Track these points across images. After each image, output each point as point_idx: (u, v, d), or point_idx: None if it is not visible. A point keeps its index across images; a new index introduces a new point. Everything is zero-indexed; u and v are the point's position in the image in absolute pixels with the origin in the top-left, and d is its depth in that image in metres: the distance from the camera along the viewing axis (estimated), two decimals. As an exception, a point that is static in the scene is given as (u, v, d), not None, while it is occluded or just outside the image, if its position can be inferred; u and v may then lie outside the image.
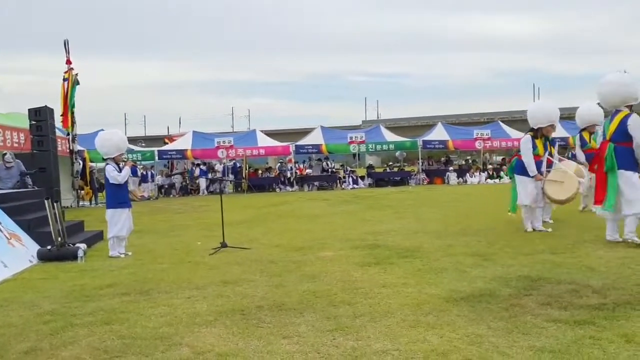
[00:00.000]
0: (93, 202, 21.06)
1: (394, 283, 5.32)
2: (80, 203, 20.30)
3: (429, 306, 4.42)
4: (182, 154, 25.77)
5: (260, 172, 28.78)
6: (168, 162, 27.86)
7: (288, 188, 25.91)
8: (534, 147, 8.43)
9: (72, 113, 19.30)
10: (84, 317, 4.57)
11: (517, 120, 73.47)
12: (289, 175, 27.06)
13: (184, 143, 26.57)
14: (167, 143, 29.02)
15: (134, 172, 23.87)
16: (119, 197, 7.71)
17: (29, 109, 12.09)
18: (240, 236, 9.44)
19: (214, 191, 25.93)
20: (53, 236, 7.53)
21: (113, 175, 7.58)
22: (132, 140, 38.47)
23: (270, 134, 38.57)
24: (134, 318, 4.47)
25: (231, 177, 26.83)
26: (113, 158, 7.68)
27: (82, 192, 20.40)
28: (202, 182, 25.98)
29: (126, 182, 7.83)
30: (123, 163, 7.82)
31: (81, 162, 20.18)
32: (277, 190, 25.66)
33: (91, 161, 21.65)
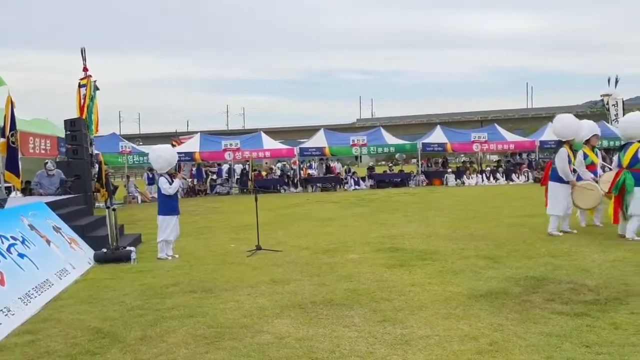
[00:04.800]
0: (108, 203, 21.93)
1: (421, 282, 6.30)
2: (96, 205, 21.18)
3: (455, 302, 5.41)
4: (190, 156, 26.68)
5: (265, 173, 29.74)
6: (176, 164, 28.73)
7: (292, 189, 26.87)
8: (585, 156, 9.68)
9: (91, 118, 20.14)
10: (169, 311, 5.52)
11: (511, 119, 75.09)
12: (292, 176, 28.08)
13: (192, 145, 27.50)
14: (174, 145, 29.89)
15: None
16: (169, 205, 8.65)
17: (65, 120, 12.98)
18: (267, 239, 10.33)
19: (220, 192, 26.94)
20: (110, 240, 8.46)
21: (165, 187, 8.53)
22: (128, 138, 39.26)
23: (269, 132, 39.75)
24: (212, 312, 5.43)
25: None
26: (167, 171, 8.63)
27: (98, 194, 21.27)
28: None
29: (176, 192, 8.77)
30: (178, 174, 8.82)
31: (97, 165, 21.04)
32: (282, 191, 26.60)
33: (105, 164, 22.52)
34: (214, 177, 29.28)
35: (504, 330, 4.49)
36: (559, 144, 9.56)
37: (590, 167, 9.77)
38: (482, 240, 9.04)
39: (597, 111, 52.62)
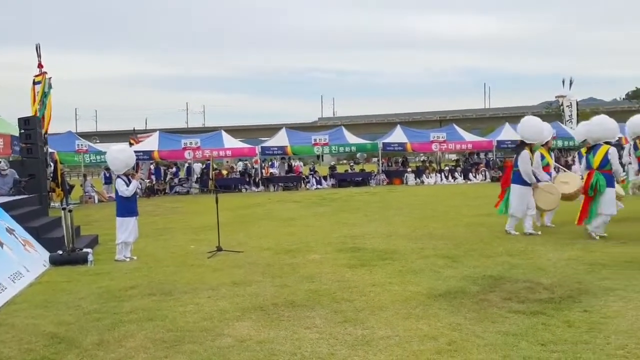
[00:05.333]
0: (64, 203, 21.38)
1: (382, 282, 6.35)
2: (51, 205, 20.61)
3: (415, 301, 5.48)
4: (149, 155, 26.25)
5: (226, 172, 29.51)
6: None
7: (254, 189, 26.74)
8: (542, 158, 9.85)
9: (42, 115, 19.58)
10: (127, 315, 5.41)
11: (469, 119, 76.49)
12: (253, 175, 27.95)
13: (151, 144, 27.06)
14: (132, 144, 29.33)
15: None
16: (127, 207, 8.48)
17: (19, 118, 12.59)
18: (228, 239, 10.24)
19: (180, 192, 26.58)
20: (66, 242, 8.25)
21: (122, 189, 8.37)
22: (84, 135, 38.40)
23: (230, 130, 39.35)
24: (172, 315, 5.35)
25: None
26: (123, 172, 8.46)
27: (54, 194, 20.71)
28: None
29: (135, 193, 8.60)
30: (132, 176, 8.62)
31: (52, 165, 20.49)
32: (243, 191, 26.44)
33: (61, 163, 21.96)
34: (173, 176, 28.88)
35: (462, 329, 4.57)
36: (520, 146, 9.66)
37: (546, 168, 10.02)
38: (441, 240, 9.17)
39: (552, 112, 54.12)
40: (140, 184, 27.23)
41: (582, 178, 9.14)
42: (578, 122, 29.74)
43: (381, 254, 8.09)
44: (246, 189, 26.64)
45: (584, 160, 9.21)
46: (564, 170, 10.21)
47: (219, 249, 8.87)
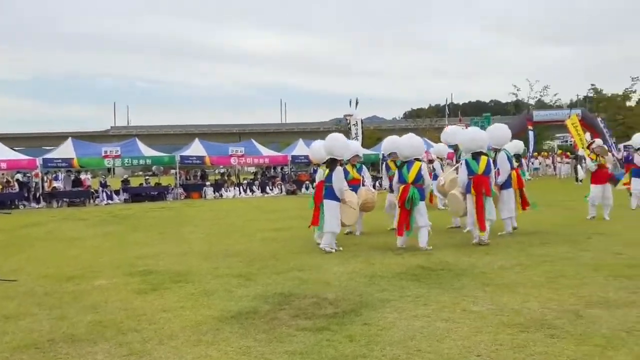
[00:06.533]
0: None
1: (173, 307, 6.15)
2: None
3: (207, 326, 5.39)
4: None
5: (0, 187, 26.33)
6: None
7: (34, 205, 24.28)
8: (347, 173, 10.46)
9: None
10: None
11: (267, 133, 78.68)
12: (33, 189, 25.37)
13: None
14: None
15: None
16: None
17: None
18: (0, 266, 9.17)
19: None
20: None
21: None
22: None
23: (6, 138, 35.38)
24: None
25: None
26: None
27: None
28: None
29: None
30: None
31: None
32: (21, 207, 23.87)
33: None
34: None
35: (251, 352, 4.60)
36: (333, 162, 9.69)
37: (352, 181, 10.84)
38: (236, 257, 9.21)
39: (341, 128, 58.06)
40: None
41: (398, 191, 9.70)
42: (363, 138, 32.38)
43: (174, 276, 7.85)
44: (24, 206, 24.08)
45: (396, 174, 9.89)
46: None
47: (-14, 278, 7.83)
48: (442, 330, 4.99)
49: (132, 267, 8.75)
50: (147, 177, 32.26)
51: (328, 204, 9.53)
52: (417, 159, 9.76)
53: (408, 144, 9.85)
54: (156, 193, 27.61)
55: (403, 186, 9.52)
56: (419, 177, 9.51)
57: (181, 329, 5.32)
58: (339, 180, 9.56)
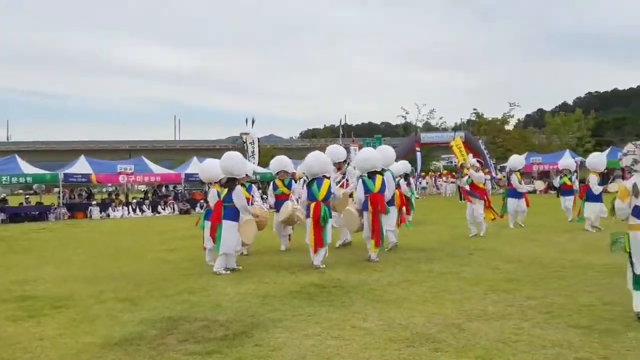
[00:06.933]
0: None
1: (51, 335, 5.76)
2: None
3: (88, 354, 5.10)
4: None
5: None
6: None
7: None
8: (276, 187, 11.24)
9: None
10: None
11: (159, 150, 76.36)
12: None
13: None
14: None
15: None
16: None
17: None
18: None
19: None
20: None
21: None
22: None
23: None
24: None
25: None
26: None
27: None
28: None
29: None
30: None
31: None
32: None
33: None
34: None
35: (136, 380, 4.41)
36: (231, 181, 9.38)
37: (281, 196, 11.45)
38: (123, 280, 8.81)
39: (238, 146, 57.66)
40: None
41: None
42: (260, 157, 32.34)
43: (54, 301, 7.36)
44: None
45: (304, 191, 9.95)
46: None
47: None
48: (332, 348, 5.05)
49: (7, 292, 8.12)
50: (27, 196, 30.11)
51: (226, 225, 9.23)
52: (325, 176, 9.86)
53: (316, 161, 9.92)
54: (37, 213, 25.95)
55: (314, 203, 9.55)
56: (329, 194, 9.67)
57: (59, 358, 5.00)
58: (240, 199, 9.23)
